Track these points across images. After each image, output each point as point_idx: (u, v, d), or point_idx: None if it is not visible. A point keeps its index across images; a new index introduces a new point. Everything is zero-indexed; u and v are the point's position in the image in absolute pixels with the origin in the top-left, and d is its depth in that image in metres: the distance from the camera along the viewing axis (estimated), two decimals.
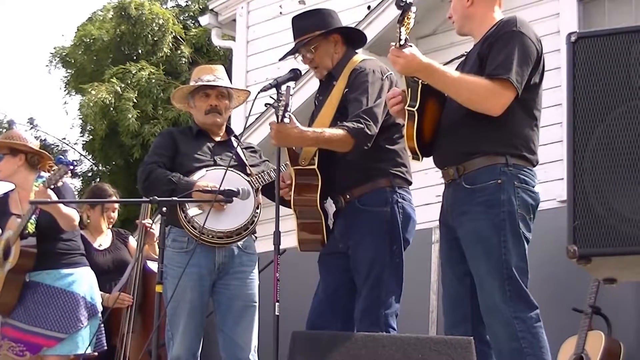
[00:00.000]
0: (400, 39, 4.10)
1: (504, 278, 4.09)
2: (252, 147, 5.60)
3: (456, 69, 4.36)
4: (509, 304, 4.07)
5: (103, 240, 6.60)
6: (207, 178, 5.11)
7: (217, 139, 5.38)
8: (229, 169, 5.02)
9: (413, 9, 4.10)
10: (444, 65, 4.27)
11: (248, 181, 5.18)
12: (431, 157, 4.38)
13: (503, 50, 4.14)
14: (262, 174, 5.26)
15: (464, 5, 4.35)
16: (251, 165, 5.31)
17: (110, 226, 6.69)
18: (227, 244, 5.14)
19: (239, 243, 5.19)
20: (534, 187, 4.19)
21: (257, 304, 5.24)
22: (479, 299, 4.18)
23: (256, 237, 5.33)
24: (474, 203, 4.16)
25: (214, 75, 5.35)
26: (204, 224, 4.97)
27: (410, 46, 4.12)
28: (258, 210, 5.22)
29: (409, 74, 4.21)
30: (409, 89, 4.25)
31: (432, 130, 4.31)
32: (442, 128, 4.31)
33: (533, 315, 4.10)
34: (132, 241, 6.69)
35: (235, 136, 5.48)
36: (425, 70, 4.14)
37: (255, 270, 5.31)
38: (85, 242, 6.37)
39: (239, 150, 5.30)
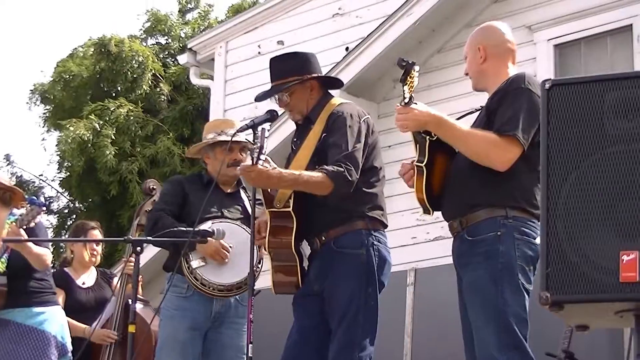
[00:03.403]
0: (404, 98, 4.16)
1: (500, 328, 4.08)
2: (260, 200, 5.61)
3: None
4: (503, 353, 4.05)
5: (87, 278, 6.56)
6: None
7: (228, 190, 5.42)
8: (233, 221, 5.16)
9: (416, 67, 4.13)
10: (457, 119, 4.31)
11: None
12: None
13: (511, 106, 4.19)
14: None
15: (478, 61, 4.40)
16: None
17: (95, 259, 6.66)
18: (226, 297, 5.21)
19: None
20: (535, 239, 4.17)
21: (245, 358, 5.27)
22: (475, 349, 4.17)
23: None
24: (474, 254, 4.19)
25: (234, 130, 5.38)
26: (194, 269, 5.10)
27: (416, 103, 4.17)
28: (260, 265, 5.23)
29: (419, 128, 4.24)
30: (417, 145, 4.29)
31: (441, 185, 4.35)
32: (448, 182, 4.34)
33: None
34: (117, 282, 6.66)
35: (244, 188, 5.52)
36: (436, 122, 4.20)
37: None
38: (68, 279, 6.36)
39: (246, 203, 5.35)
